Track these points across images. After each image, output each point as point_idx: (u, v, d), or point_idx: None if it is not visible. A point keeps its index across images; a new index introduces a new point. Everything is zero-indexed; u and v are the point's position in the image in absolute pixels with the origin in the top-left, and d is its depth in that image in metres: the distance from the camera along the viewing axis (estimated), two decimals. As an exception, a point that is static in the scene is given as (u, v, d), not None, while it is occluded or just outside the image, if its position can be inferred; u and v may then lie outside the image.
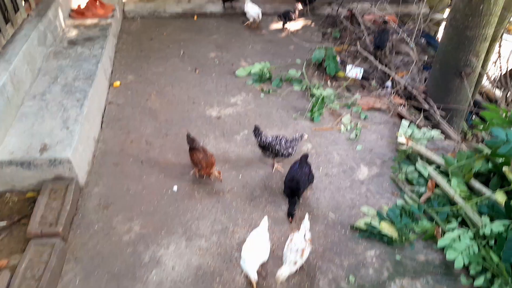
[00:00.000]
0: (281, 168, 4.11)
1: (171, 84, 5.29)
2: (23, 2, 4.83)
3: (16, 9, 4.60)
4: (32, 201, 3.53)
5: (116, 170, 4.02)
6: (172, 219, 3.55)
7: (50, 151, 3.61)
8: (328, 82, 5.58)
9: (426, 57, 6.25)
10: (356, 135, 4.60)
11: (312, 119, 4.84)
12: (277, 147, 3.87)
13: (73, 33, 5.54)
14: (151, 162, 4.12)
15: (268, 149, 3.92)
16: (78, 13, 6.00)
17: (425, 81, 5.58)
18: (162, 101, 4.99)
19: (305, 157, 3.74)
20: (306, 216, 3.31)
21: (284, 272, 2.88)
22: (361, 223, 3.54)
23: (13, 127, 3.86)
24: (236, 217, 3.59)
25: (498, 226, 3.19)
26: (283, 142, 3.89)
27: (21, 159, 3.54)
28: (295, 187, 3.54)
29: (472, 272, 3.12)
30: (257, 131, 3.91)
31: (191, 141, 3.87)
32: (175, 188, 3.84)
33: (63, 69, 4.75)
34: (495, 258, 3.07)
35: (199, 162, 3.77)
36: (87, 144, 4.05)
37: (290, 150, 3.92)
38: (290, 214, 3.56)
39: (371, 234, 3.47)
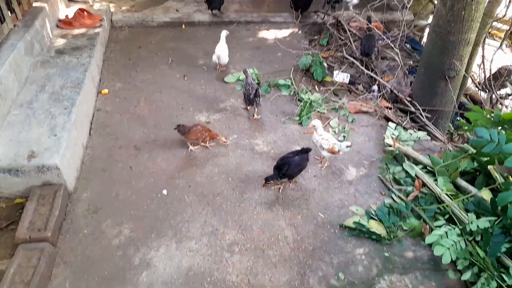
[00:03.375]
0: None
1: (160, 91, 5.31)
2: (9, 13, 4.83)
3: (2, 20, 4.61)
4: (20, 207, 3.50)
5: (104, 175, 4.01)
6: (162, 222, 3.55)
7: (38, 158, 3.59)
8: (316, 87, 5.66)
9: (411, 62, 6.38)
10: (344, 138, 4.66)
11: (300, 123, 4.89)
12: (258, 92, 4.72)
13: (60, 42, 5.55)
14: (140, 167, 4.12)
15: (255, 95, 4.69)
16: (65, 23, 6.00)
17: (410, 84, 5.69)
18: (150, 107, 5.00)
19: (305, 149, 3.88)
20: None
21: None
22: (350, 222, 3.57)
23: (-1, 135, 3.84)
24: (226, 219, 3.60)
25: (484, 222, 3.24)
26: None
27: (8, 166, 3.52)
28: (281, 166, 3.77)
29: (459, 267, 3.16)
30: (246, 73, 4.80)
31: (182, 128, 4.19)
32: (164, 192, 3.85)
33: (50, 77, 4.74)
34: (482, 253, 3.12)
35: (202, 133, 4.16)
36: (75, 151, 4.03)
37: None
38: (266, 179, 3.86)
39: (360, 232, 3.51)
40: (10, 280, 2.84)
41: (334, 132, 4.76)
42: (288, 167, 3.72)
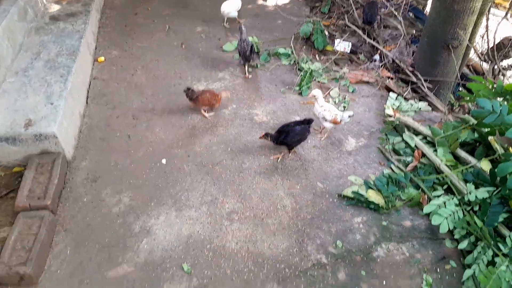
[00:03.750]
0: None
1: (157, 59, 5.21)
2: (1, -24, 4.67)
3: (-8, -17, 4.46)
4: (19, 176, 3.49)
5: (103, 144, 3.98)
6: (161, 191, 3.55)
7: (35, 126, 3.56)
8: (316, 56, 5.56)
9: (414, 31, 6.25)
10: (344, 108, 4.62)
11: (300, 93, 4.84)
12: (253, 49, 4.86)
13: (54, 8, 5.40)
14: (138, 137, 4.09)
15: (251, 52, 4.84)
16: (59, -12, 5.83)
17: (413, 54, 5.60)
18: (148, 76, 4.92)
19: (307, 120, 3.85)
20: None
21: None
22: (348, 191, 3.59)
23: (-5, 103, 3.79)
24: (226, 188, 3.61)
25: (482, 192, 3.27)
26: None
27: (5, 134, 3.49)
28: (281, 133, 3.77)
29: (456, 236, 3.21)
30: (240, 29, 4.81)
31: (191, 92, 4.19)
32: (163, 161, 3.83)
33: (45, 45, 4.63)
34: (479, 223, 3.15)
35: (210, 100, 4.22)
36: (72, 119, 3.99)
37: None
38: (266, 134, 3.84)
39: (358, 201, 3.53)
40: (11, 246, 2.87)
41: (334, 102, 4.72)
42: (286, 135, 3.70)
